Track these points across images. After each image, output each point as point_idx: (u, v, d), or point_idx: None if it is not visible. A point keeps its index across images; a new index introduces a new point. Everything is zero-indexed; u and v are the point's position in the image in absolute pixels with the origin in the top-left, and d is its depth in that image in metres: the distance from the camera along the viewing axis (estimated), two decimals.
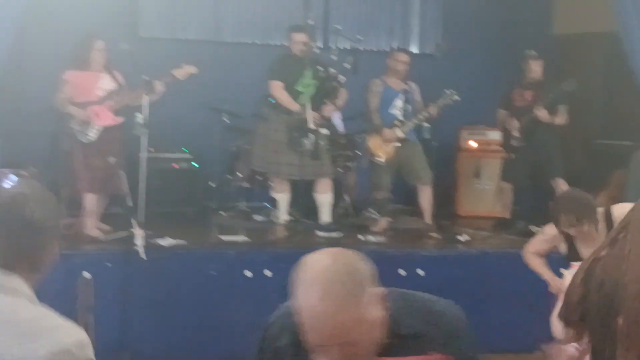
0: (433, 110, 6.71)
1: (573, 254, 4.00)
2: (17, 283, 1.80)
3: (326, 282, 1.65)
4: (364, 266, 1.72)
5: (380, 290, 1.75)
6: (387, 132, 6.72)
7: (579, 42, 8.55)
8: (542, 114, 6.74)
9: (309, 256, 1.75)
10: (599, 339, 1.81)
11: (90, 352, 1.77)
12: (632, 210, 1.94)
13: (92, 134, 6.22)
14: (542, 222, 6.42)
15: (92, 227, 6.17)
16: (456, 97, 6.73)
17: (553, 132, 6.98)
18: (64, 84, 6.21)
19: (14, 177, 1.91)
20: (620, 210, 3.63)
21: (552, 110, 6.84)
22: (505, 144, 7.20)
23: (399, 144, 6.84)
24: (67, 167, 6.23)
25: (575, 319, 1.92)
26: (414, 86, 6.95)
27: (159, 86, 6.26)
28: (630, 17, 6.81)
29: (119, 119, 6.34)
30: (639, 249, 1.83)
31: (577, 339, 1.90)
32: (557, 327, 2.39)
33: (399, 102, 6.88)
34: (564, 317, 2.06)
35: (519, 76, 7.21)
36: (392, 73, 6.92)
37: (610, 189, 6.16)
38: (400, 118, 6.83)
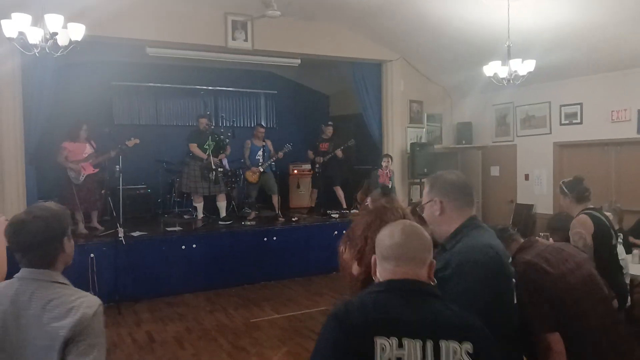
0: (280, 155, 8.88)
1: None
2: (59, 276, 1.98)
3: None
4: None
5: None
6: (254, 169, 8.78)
7: (344, 118, 11.25)
8: (339, 153, 9.15)
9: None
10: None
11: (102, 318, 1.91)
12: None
13: (81, 178, 7.45)
14: (332, 209, 8.71)
15: (83, 228, 7.40)
16: (290, 148, 8.92)
17: (337, 162, 9.41)
18: (63, 150, 7.41)
19: (47, 204, 2.05)
20: None
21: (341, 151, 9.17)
22: (312, 169, 9.62)
23: (259, 174, 8.74)
24: (68, 197, 7.26)
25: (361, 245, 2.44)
26: (269, 143, 8.97)
27: (113, 153, 7.35)
28: (365, 103, 9.47)
29: (96, 170, 7.65)
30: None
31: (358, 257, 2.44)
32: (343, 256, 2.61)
33: (260, 152, 8.88)
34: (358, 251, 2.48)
35: (319, 135, 9.55)
36: (256, 137, 8.98)
37: (363, 189, 6.95)
38: (261, 161, 8.84)
